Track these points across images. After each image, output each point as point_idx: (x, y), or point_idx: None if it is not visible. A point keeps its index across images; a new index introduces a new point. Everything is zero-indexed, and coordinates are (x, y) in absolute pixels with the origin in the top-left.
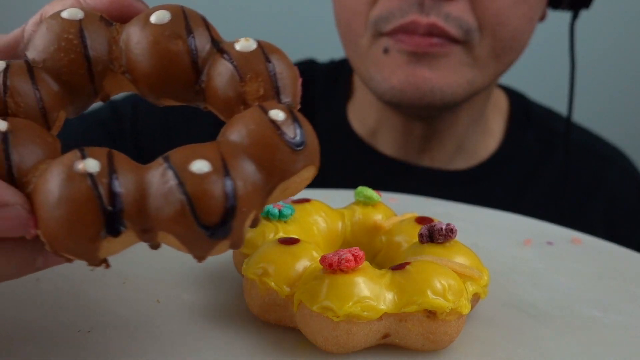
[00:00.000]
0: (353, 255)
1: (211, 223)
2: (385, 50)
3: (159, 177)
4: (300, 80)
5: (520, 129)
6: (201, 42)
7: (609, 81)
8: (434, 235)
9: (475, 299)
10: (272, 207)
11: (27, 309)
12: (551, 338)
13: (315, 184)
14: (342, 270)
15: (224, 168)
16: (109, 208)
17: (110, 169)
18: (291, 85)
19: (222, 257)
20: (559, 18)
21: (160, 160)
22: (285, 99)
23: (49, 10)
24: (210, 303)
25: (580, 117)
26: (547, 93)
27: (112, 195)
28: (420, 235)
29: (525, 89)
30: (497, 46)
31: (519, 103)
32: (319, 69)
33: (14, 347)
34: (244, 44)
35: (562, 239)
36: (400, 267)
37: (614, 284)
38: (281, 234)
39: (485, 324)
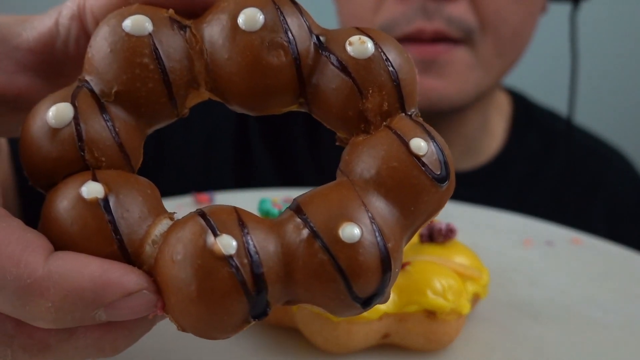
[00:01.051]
0: None
1: (367, 295)
2: None
3: (305, 248)
4: (417, 76)
5: (522, 130)
6: (303, 44)
7: (608, 82)
8: (434, 235)
9: (475, 299)
10: (272, 207)
11: None
12: (551, 338)
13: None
14: None
15: (374, 228)
16: (254, 294)
17: (247, 244)
18: (415, 91)
19: None
20: (561, 17)
21: (296, 218)
22: (411, 108)
23: None
24: None
25: (581, 118)
26: (548, 93)
27: (256, 278)
28: (420, 235)
29: (526, 89)
30: (500, 44)
31: (520, 104)
32: None
33: None
34: (360, 49)
35: (562, 239)
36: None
37: (614, 284)
38: None
39: (485, 324)
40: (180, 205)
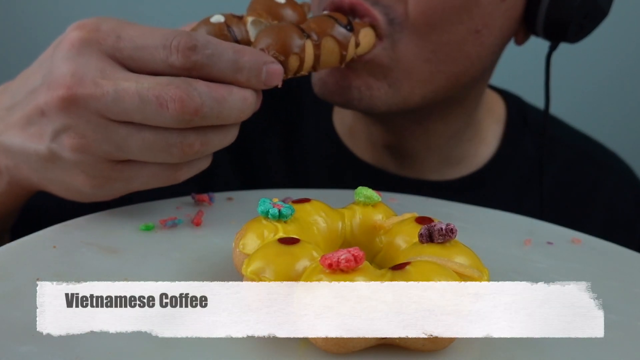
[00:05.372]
0: (353, 255)
1: (344, 22)
2: None
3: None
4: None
5: (517, 135)
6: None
7: (606, 84)
8: (434, 235)
9: None
10: (272, 207)
11: (27, 309)
12: (551, 338)
13: (301, 187)
14: (342, 270)
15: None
16: (301, 28)
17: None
18: None
19: (222, 257)
20: None
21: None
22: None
23: None
24: None
25: (578, 121)
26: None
27: (300, 29)
28: (420, 235)
29: (521, 91)
30: (426, 48)
31: (516, 108)
32: (308, 76)
33: (14, 347)
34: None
35: (562, 239)
36: (400, 267)
37: (614, 284)
38: (281, 234)
39: None
40: (181, 205)
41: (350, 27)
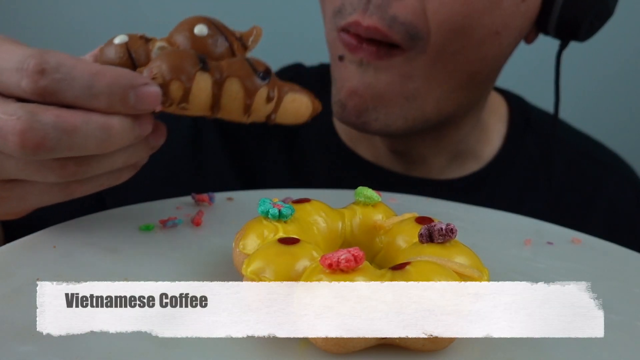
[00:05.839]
0: (353, 255)
1: (261, 69)
2: (341, 58)
3: (235, 62)
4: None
5: (519, 135)
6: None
7: (608, 84)
8: (434, 235)
9: None
10: (272, 207)
11: (27, 309)
12: (551, 338)
13: (302, 187)
14: (342, 270)
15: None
16: (201, 58)
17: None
18: None
19: (222, 257)
20: None
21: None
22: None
23: None
24: None
25: (579, 121)
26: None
27: (201, 58)
28: (420, 235)
29: (524, 91)
30: (446, 52)
31: (518, 108)
32: (306, 74)
33: (14, 347)
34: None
35: (562, 239)
36: (400, 267)
37: (614, 284)
38: (281, 234)
39: None
40: (181, 205)
41: (264, 76)
